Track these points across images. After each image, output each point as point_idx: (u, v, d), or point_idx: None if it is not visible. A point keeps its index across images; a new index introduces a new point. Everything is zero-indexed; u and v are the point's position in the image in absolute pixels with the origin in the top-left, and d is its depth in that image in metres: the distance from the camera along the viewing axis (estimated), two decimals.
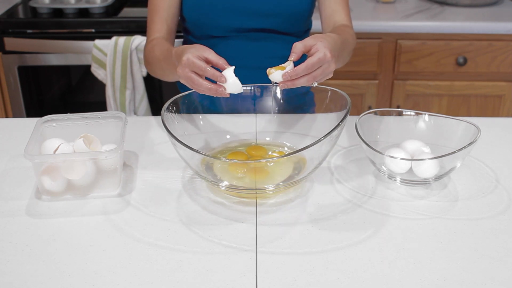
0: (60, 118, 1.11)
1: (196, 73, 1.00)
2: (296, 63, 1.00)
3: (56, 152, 1.00)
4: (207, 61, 1.01)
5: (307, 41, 1.01)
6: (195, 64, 0.99)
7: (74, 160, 0.99)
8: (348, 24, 1.33)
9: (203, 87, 1.00)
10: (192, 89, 1.16)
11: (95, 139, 1.04)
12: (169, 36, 1.31)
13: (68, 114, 1.11)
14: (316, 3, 1.38)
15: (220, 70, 1.01)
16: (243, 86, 1.02)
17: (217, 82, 0.99)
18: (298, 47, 1.00)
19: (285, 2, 1.32)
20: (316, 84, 1.01)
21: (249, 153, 1.14)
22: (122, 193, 1.04)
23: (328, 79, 1.04)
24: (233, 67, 1.00)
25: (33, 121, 1.29)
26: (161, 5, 1.30)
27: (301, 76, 0.99)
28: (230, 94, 1.00)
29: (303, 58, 1.02)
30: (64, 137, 1.05)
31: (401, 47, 2.16)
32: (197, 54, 1.00)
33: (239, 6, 1.30)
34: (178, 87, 1.52)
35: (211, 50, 1.01)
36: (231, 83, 0.99)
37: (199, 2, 1.31)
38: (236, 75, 0.99)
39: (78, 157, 0.99)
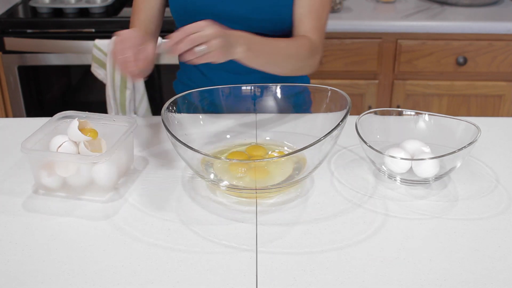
0: (78, 115, 1.12)
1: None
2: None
3: (59, 150, 1.01)
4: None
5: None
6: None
7: (59, 159, 1.00)
8: (309, 36, 1.25)
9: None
10: (192, 89, 1.16)
11: (103, 142, 1.06)
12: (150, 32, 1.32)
13: (86, 112, 1.13)
14: None
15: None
16: (245, 85, 1.02)
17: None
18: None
19: (270, 7, 1.30)
20: (200, 49, 1.02)
21: (249, 153, 1.14)
22: (122, 193, 1.04)
23: (328, 79, 1.04)
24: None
25: (33, 121, 1.29)
26: (141, 6, 1.30)
27: (179, 42, 1.00)
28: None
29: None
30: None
31: (401, 47, 2.16)
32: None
33: (224, 11, 1.29)
34: (173, 87, 1.52)
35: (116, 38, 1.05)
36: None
37: (183, 6, 1.30)
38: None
39: (62, 158, 1.00)
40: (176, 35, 1.00)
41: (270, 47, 1.16)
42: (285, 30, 1.36)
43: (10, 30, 2.13)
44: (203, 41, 1.01)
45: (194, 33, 1.00)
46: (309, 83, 1.51)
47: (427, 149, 1.09)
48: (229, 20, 1.30)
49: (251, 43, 1.09)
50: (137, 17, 1.30)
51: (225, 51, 1.04)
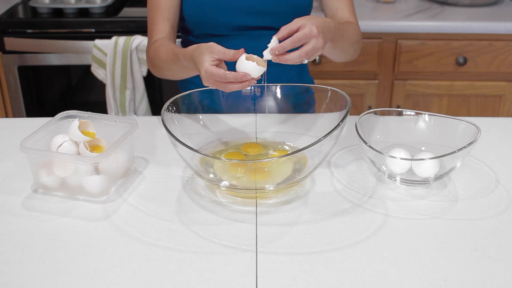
0: (81, 115, 1.12)
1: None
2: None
3: (59, 149, 1.01)
4: (221, 60, 1.02)
5: (294, 23, 1.03)
6: (215, 75, 1.00)
7: (57, 159, 1.00)
8: (352, 21, 1.33)
9: (235, 89, 1.01)
10: (192, 89, 1.16)
11: (103, 142, 1.06)
12: (172, 35, 1.31)
13: (89, 112, 1.13)
14: (315, 3, 1.38)
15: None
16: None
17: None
18: (283, 30, 1.03)
19: (287, 1, 1.32)
20: (307, 61, 1.03)
21: (244, 150, 1.14)
22: (122, 193, 1.04)
23: (328, 79, 1.05)
24: (244, 54, 1.01)
25: (33, 121, 1.29)
26: (162, 4, 1.30)
27: (292, 52, 1.01)
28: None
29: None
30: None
31: (401, 47, 2.16)
32: (211, 60, 1.01)
33: (240, 4, 1.30)
34: (179, 86, 1.52)
35: (217, 49, 1.01)
36: (252, 70, 1.00)
37: (200, 1, 1.31)
38: (248, 56, 1.00)
39: (60, 158, 1.00)
40: (286, 44, 1.00)
41: (340, 31, 1.16)
42: None
43: (10, 30, 2.13)
44: (313, 48, 1.02)
45: (303, 41, 1.01)
46: (313, 83, 1.52)
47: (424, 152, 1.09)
48: (247, 14, 1.31)
49: (326, 29, 1.07)
50: (161, 16, 1.30)
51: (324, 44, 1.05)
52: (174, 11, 1.31)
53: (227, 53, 1.01)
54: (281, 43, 1.01)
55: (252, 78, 1.00)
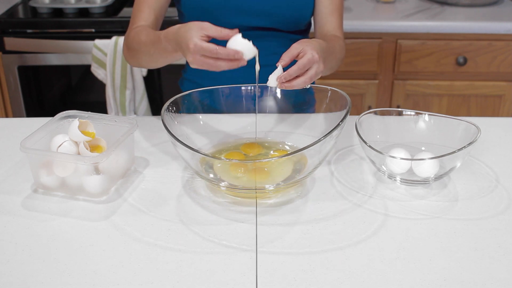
0: (81, 115, 1.12)
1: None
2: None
3: (59, 149, 1.01)
4: (210, 37, 1.00)
5: (293, 49, 1.03)
6: (205, 49, 0.97)
7: (57, 159, 1.00)
8: (339, 35, 1.34)
9: (223, 68, 0.99)
10: (193, 89, 1.16)
11: (103, 142, 1.06)
12: (154, 27, 1.28)
13: (89, 112, 1.13)
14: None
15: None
16: (245, 85, 1.03)
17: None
18: (285, 58, 1.02)
19: (289, 2, 1.32)
20: (309, 85, 1.06)
21: (244, 151, 1.14)
22: (122, 193, 1.04)
23: (328, 79, 1.05)
24: (239, 33, 0.99)
25: (33, 121, 1.29)
26: None
27: (296, 77, 1.01)
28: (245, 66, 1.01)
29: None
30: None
31: (401, 47, 2.16)
32: (201, 35, 0.99)
33: (242, 5, 1.30)
34: (180, 86, 1.52)
35: (209, 25, 1.00)
36: (246, 50, 0.98)
37: (200, 2, 1.31)
38: (243, 38, 0.99)
39: (59, 158, 1.00)
40: (292, 71, 1.00)
41: (330, 50, 1.18)
42: (300, 27, 1.38)
43: (10, 30, 2.13)
44: (316, 72, 1.03)
45: (307, 67, 1.02)
46: (313, 83, 1.52)
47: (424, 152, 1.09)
48: (249, 14, 1.31)
49: (323, 52, 1.08)
50: (146, 5, 1.27)
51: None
52: (161, 4, 1.29)
53: (221, 30, 0.99)
54: (287, 70, 1.00)
55: (244, 59, 0.98)
